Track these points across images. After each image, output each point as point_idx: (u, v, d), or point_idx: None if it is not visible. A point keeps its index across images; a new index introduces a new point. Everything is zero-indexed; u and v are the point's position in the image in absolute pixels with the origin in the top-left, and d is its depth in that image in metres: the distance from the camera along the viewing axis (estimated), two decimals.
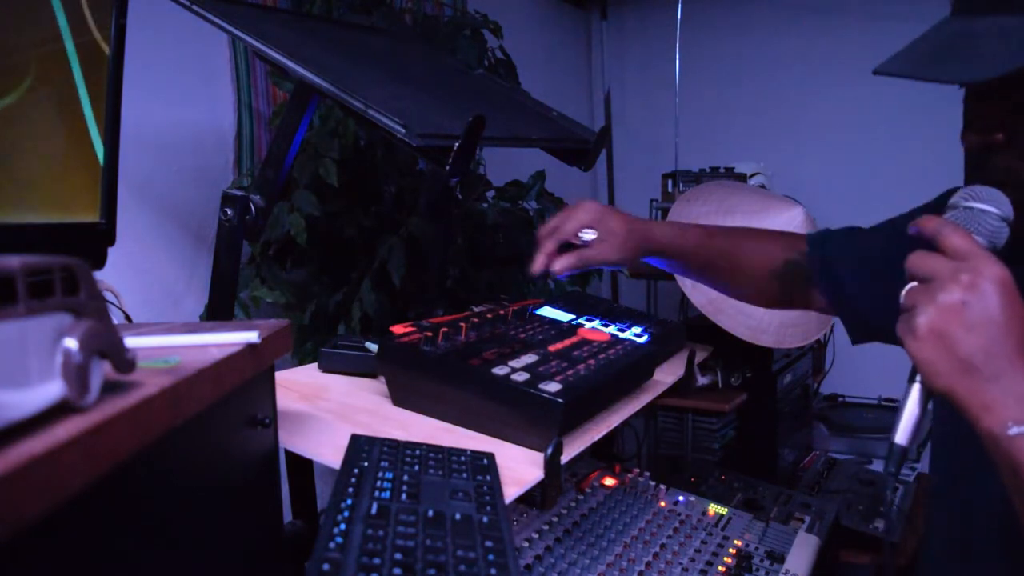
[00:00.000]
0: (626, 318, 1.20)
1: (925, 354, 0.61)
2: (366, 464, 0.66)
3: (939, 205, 0.91)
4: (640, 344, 1.03)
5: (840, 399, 2.38)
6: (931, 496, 0.90)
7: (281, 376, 0.96)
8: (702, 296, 1.59)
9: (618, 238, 0.96)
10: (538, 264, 0.95)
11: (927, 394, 0.64)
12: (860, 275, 0.95)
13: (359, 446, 0.70)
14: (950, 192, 0.92)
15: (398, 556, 0.51)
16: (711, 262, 1.02)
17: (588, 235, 0.95)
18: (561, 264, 0.94)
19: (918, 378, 0.64)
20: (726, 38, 2.77)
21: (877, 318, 0.94)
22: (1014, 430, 0.57)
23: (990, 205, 0.66)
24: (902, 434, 0.65)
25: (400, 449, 0.71)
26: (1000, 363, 0.59)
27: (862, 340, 1.01)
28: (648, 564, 1.02)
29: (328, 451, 0.74)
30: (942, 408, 0.85)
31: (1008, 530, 0.73)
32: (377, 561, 0.50)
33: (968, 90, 0.71)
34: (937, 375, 0.61)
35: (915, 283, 0.64)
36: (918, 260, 0.64)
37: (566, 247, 0.96)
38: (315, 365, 1.03)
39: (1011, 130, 0.68)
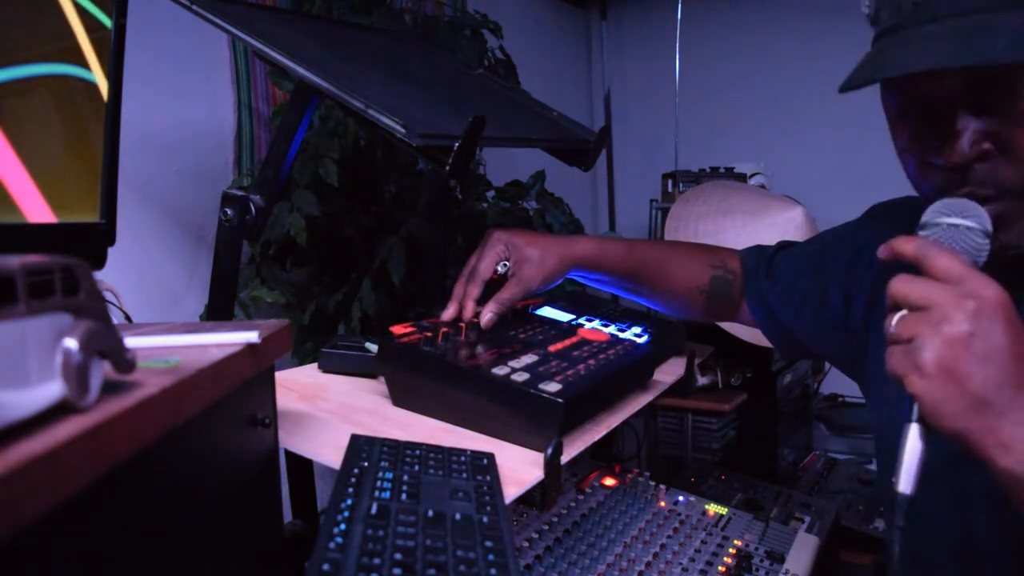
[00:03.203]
0: (626, 318, 1.20)
1: (934, 394, 0.55)
2: (366, 464, 0.66)
3: (868, 220, 0.93)
4: (640, 344, 1.03)
5: (840, 399, 2.38)
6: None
7: (281, 376, 0.96)
8: None
9: (534, 262, 0.97)
10: (468, 312, 0.96)
11: (929, 433, 0.57)
12: (786, 295, 0.98)
13: (359, 446, 0.70)
14: (875, 208, 0.94)
15: (398, 556, 0.51)
16: (634, 275, 1.04)
17: (503, 268, 0.98)
18: (487, 318, 0.95)
19: (916, 417, 0.57)
20: (726, 38, 2.77)
21: (801, 336, 0.98)
22: None
23: (973, 221, 0.62)
24: (906, 482, 0.57)
25: (400, 449, 0.71)
26: (1012, 394, 0.54)
27: (790, 356, 1.04)
28: (648, 564, 1.02)
29: (328, 451, 0.74)
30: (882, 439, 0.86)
31: (961, 542, 0.74)
32: (377, 561, 0.50)
33: (947, 105, 0.66)
34: (946, 415, 0.55)
35: (905, 312, 0.58)
36: (906, 286, 0.59)
37: (489, 287, 0.98)
38: (315, 365, 1.02)
39: (1000, 139, 0.64)
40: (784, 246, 1.04)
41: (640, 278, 1.05)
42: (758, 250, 1.05)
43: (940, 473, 0.67)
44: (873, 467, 2.00)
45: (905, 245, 0.60)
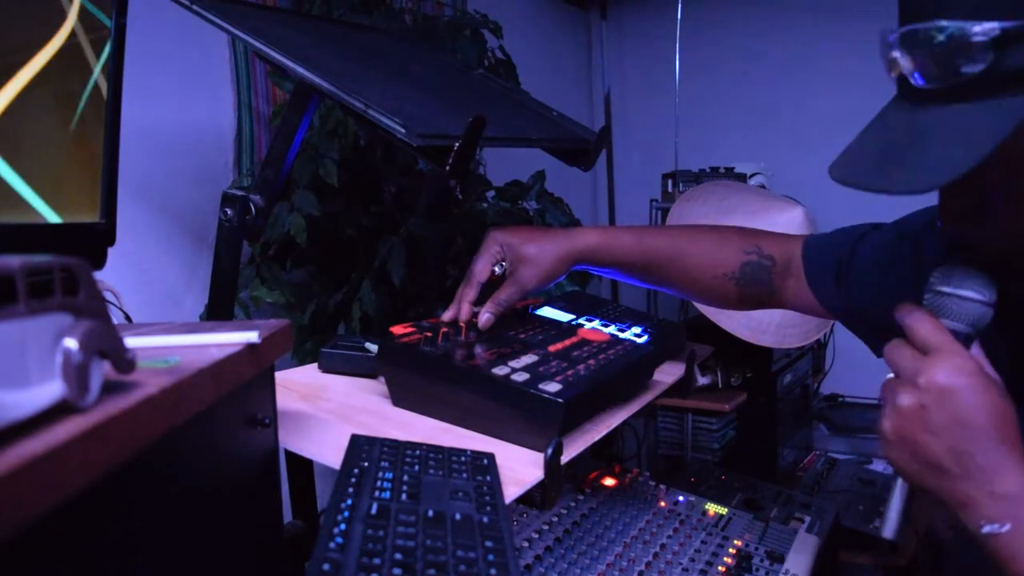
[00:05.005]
0: (626, 318, 1.20)
1: (894, 456, 0.61)
2: (366, 464, 0.66)
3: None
4: (640, 344, 1.03)
5: (840, 399, 2.38)
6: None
7: (281, 376, 0.96)
8: None
9: (530, 261, 0.96)
10: (464, 313, 0.95)
11: (910, 487, 0.63)
12: (878, 286, 0.87)
13: (359, 446, 0.70)
14: None
15: (398, 556, 0.51)
16: (647, 266, 0.99)
17: (500, 269, 0.97)
18: (483, 319, 0.94)
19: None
20: (726, 39, 2.77)
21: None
22: (987, 529, 0.57)
23: (966, 290, 0.62)
24: (889, 528, 0.65)
25: (400, 449, 0.71)
26: (970, 462, 0.57)
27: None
28: (648, 564, 1.02)
29: (328, 451, 0.74)
30: None
31: None
32: (377, 561, 0.50)
33: None
34: (908, 476, 0.61)
35: (891, 375, 0.62)
36: (890, 351, 0.62)
37: (487, 289, 0.96)
38: (315, 365, 1.02)
39: (982, 216, 0.62)
40: (865, 233, 0.91)
41: (654, 269, 0.99)
42: (827, 238, 0.95)
43: None
44: (873, 467, 2.00)
45: (901, 311, 0.63)
